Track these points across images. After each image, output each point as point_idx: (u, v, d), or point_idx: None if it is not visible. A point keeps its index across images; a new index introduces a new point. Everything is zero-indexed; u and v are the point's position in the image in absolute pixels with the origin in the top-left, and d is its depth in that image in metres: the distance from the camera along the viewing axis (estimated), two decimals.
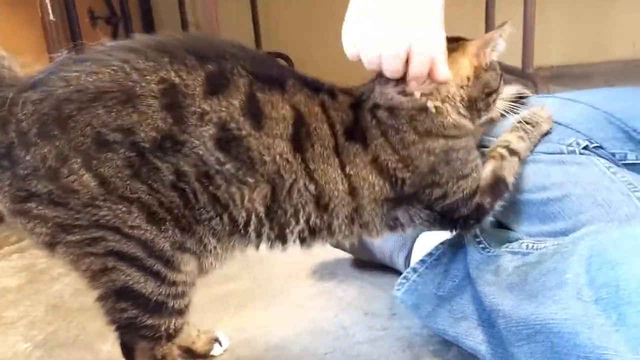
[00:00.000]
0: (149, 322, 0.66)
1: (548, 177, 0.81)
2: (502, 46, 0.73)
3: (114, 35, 2.53)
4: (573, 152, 0.81)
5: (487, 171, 0.76)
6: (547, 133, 0.82)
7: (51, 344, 0.92)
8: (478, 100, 0.73)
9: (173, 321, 0.67)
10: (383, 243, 1.01)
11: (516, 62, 2.01)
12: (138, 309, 0.65)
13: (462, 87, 0.71)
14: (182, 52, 0.61)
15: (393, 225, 0.73)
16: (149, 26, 2.97)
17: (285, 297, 1.01)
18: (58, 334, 0.95)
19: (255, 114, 0.61)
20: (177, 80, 0.59)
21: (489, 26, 2.03)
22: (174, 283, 0.66)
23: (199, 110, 0.59)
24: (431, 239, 0.96)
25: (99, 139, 0.59)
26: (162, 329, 0.67)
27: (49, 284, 1.13)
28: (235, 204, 0.63)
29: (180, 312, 0.68)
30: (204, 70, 0.60)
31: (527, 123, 0.81)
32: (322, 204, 0.67)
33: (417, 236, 0.99)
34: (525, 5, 1.73)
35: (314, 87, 0.68)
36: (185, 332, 0.82)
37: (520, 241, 0.79)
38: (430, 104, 0.69)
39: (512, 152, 0.78)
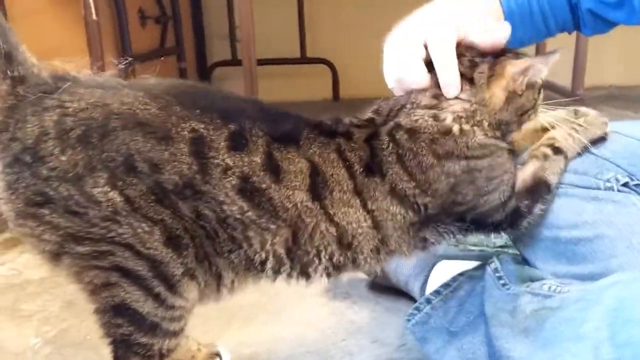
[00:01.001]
0: (143, 340, 0.65)
1: (580, 214, 0.74)
2: (544, 72, 0.69)
3: (163, 35, 2.58)
4: (611, 188, 0.74)
5: (527, 173, 0.72)
6: (602, 139, 0.76)
7: (61, 342, 0.93)
8: (510, 124, 0.69)
9: (167, 342, 0.67)
10: (399, 268, 0.96)
11: (568, 81, 1.91)
12: (133, 326, 0.65)
13: (494, 112, 0.67)
14: (210, 109, 0.63)
15: (423, 246, 0.71)
16: (198, 27, 3.02)
17: (294, 313, 0.99)
18: (69, 332, 0.95)
19: (274, 169, 0.63)
20: (205, 132, 0.61)
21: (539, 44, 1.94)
22: (172, 307, 0.65)
23: (222, 164, 0.61)
24: (450, 268, 0.91)
25: (128, 162, 0.59)
26: (155, 348, 0.66)
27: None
28: (251, 246, 0.64)
29: (175, 334, 0.68)
30: (228, 129, 0.62)
31: (579, 124, 0.75)
32: (344, 243, 0.66)
33: (435, 264, 0.94)
34: None
35: (329, 132, 0.67)
36: (185, 347, 0.81)
37: (543, 282, 0.73)
38: (455, 128, 0.66)
39: (557, 150, 0.74)
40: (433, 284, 0.91)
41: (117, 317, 0.65)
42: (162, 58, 2.56)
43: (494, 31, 0.67)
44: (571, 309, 0.63)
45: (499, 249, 0.93)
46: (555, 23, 0.82)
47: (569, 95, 1.73)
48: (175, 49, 2.69)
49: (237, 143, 0.62)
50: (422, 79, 0.67)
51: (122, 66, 0.73)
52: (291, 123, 0.66)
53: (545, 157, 0.73)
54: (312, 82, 2.96)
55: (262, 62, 2.94)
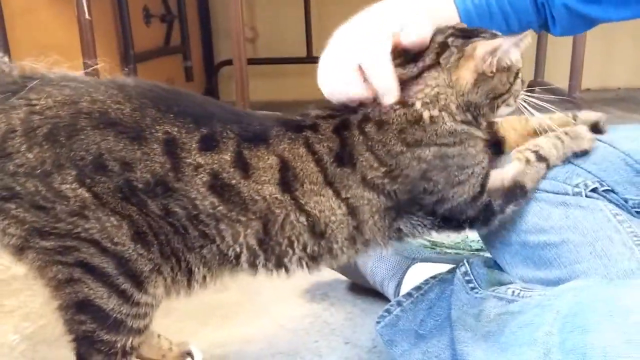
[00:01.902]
0: (106, 337, 0.66)
1: (548, 219, 0.74)
2: (516, 55, 0.67)
3: (168, 34, 2.60)
4: (579, 193, 0.74)
5: (507, 173, 0.72)
6: (585, 153, 0.75)
7: (37, 339, 0.94)
8: (481, 106, 0.68)
9: (130, 339, 0.67)
10: (375, 269, 0.96)
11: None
12: (96, 323, 0.65)
13: (461, 94, 0.67)
14: (184, 113, 0.64)
15: (397, 236, 0.71)
16: (205, 26, 3.02)
17: (270, 314, 0.99)
18: (46, 329, 0.97)
19: (243, 166, 0.64)
20: (177, 135, 0.63)
21: (540, 43, 1.92)
22: (137, 304, 0.65)
23: (194, 163, 0.62)
24: (424, 271, 0.91)
25: (98, 161, 0.60)
26: (118, 345, 0.66)
27: None
28: (224, 240, 0.65)
29: (139, 332, 0.68)
30: (199, 132, 0.63)
31: (566, 134, 0.75)
32: (317, 232, 0.66)
33: (410, 266, 0.94)
34: None
35: (297, 126, 0.67)
36: (156, 345, 0.82)
37: (508, 286, 0.73)
38: (426, 114, 0.66)
39: (541, 158, 0.73)
40: (407, 286, 0.91)
41: (80, 313, 0.65)
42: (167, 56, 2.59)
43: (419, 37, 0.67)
44: (529, 313, 0.63)
45: (475, 252, 0.93)
46: (518, 23, 0.81)
47: (566, 97, 1.71)
48: (181, 48, 2.70)
49: (208, 145, 0.63)
50: (362, 93, 0.67)
51: (92, 69, 0.74)
52: (259, 123, 0.67)
53: (528, 162, 0.73)
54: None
55: (267, 61, 2.97)
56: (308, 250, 0.67)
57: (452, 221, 0.70)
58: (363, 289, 1.04)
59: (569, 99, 1.65)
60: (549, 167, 0.74)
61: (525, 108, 0.71)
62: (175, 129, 0.63)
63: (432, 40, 0.68)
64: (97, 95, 0.63)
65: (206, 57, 3.04)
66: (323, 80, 0.70)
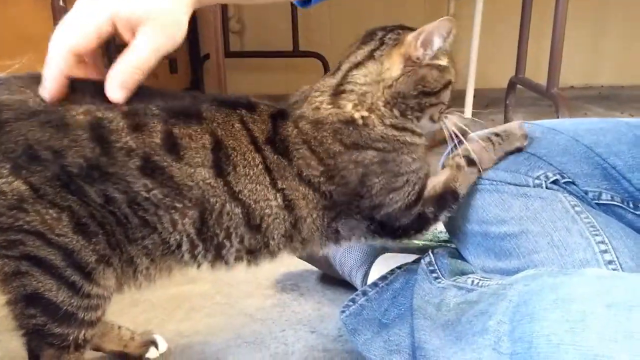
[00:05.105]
0: (57, 330, 0.64)
1: (508, 210, 0.75)
2: (438, 44, 0.68)
3: None
4: (539, 185, 0.75)
5: (438, 180, 0.74)
6: (519, 150, 0.77)
7: None
8: (408, 98, 0.68)
9: (82, 332, 0.66)
10: (344, 260, 0.97)
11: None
12: (46, 316, 0.64)
13: (390, 84, 0.68)
14: (101, 92, 0.62)
15: (335, 238, 0.72)
16: (190, 18, 2.99)
17: (239, 305, 0.99)
18: (8, 320, 0.95)
19: (174, 147, 0.62)
20: (99, 114, 0.61)
21: (522, 41, 1.92)
22: (88, 295, 0.64)
23: (125, 146, 0.61)
24: (391, 261, 0.91)
25: (30, 152, 0.59)
26: (70, 338, 0.65)
27: None
28: (164, 227, 0.64)
29: (91, 324, 0.66)
30: (120, 110, 0.62)
31: (497, 135, 0.77)
32: (253, 225, 0.66)
33: (377, 256, 0.94)
34: (555, 24, 1.61)
35: (232, 103, 0.67)
36: (117, 336, 0.81)
37: (468, 276, 0.73)
38: (357, 115, 0.67)
39: (471, 162, 0.74)
40: (374, 276, 0.91)
41: (29, 307, 0.63)
42: None
43: None
44: (485, 302, 0.63)
45: (443, 244, 0.93)
46: None
47: (542, 93, 1.72)
48: None
49: (137, 123, 0.61)
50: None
51: (18, 65, 0.73)
52: (189, 99, 0.66)
53: (459, 168, 0.74)
54: (304, 76, 2.96)
55: (254, 54, 2.96)
56: (245, 243, 0.67)
57: (388, 228, 0.71)
58: (333, 279, 1.04)
59: (549, 95, 1.65)
60: (480, 172, 0.76)
61: (446, 126, 0.72)
62: (94, 107, 0.61)
63: (374, 34, 0.70)
64: (16, 88, 0.62)
65: (192, 49, 3.02)
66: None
